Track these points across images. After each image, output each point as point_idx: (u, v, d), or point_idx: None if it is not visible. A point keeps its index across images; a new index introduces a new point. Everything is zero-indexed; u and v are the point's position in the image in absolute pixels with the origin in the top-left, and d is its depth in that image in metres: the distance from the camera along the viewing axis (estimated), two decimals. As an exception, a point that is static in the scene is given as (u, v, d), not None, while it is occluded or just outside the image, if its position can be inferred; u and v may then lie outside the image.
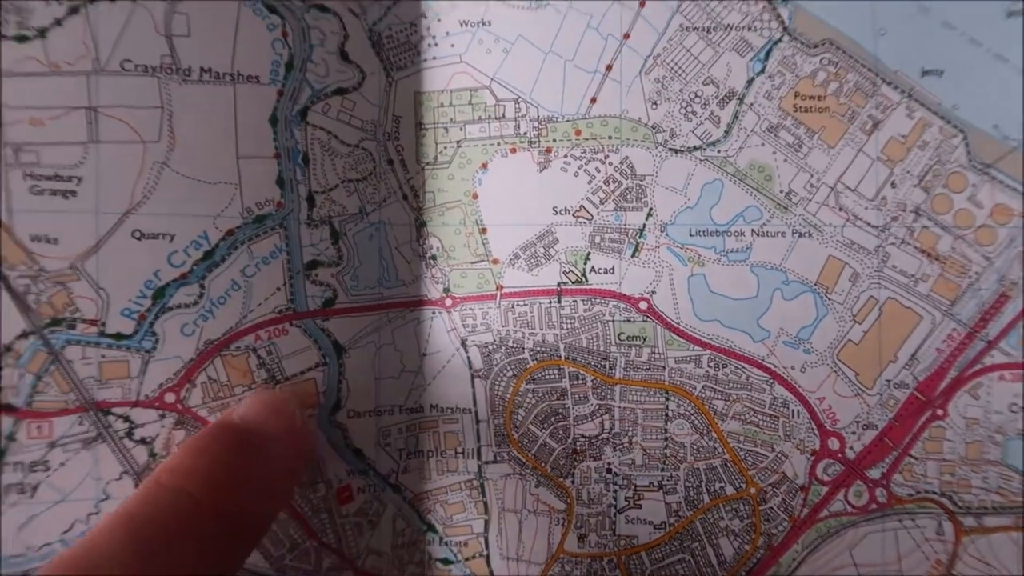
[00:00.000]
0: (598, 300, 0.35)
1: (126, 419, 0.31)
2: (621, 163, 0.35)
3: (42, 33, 0.30)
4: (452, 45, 0.35)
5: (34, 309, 0.30)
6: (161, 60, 0.32)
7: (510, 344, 0.35)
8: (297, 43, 0.33)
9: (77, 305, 0.31)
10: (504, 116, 0.35)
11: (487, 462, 0.35)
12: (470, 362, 0.35)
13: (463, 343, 0.35)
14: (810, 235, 0.34)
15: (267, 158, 0.33)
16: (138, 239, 0.31)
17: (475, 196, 0.35)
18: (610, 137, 0.35)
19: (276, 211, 0.33)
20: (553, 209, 0.35)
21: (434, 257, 0.36)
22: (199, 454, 0.28)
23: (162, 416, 0.32)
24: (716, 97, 0.35)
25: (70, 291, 0.31)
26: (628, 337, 0.35)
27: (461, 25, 0.35)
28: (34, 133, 0.30)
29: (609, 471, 0.35)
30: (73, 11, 0.31)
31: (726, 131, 0.35)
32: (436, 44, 0.35)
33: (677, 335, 0.35)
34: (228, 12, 0.32)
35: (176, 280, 0.32)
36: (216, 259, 0.32)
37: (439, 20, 0.35)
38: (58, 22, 0.31)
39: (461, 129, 0.35)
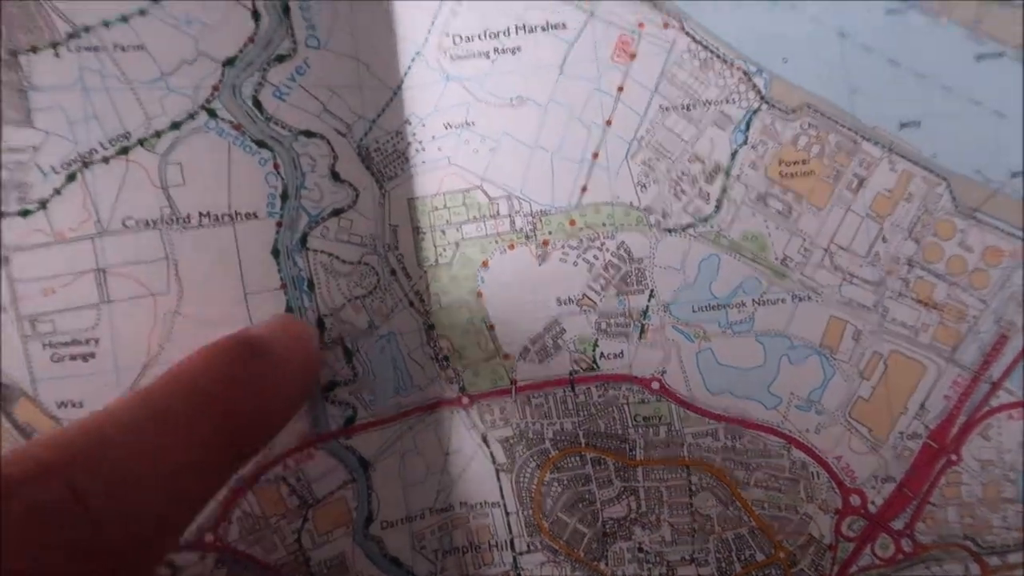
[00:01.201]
0: (611, 385, 0.36)
1: (170, 565, 0.32)
2: (618, 248, 0.36)
3: (43, 205, 0.31)
4: (439, 148, 0.36)
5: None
6: (160, 212, 0.32)
7: (530, 436, 0.36)
8: (289, 173, 0.34)
9: (108, 462, 0.31)
10: (499, 214, 0.36)
11: (521, 553, 0.36)
12: (493, 457, 0.36)
13: (484, 439, 0.36)
14: (809, 298, 0.35)
15: (274, 290, 0.34)
16: (159, 389, 0.32)
17: (479, 295, 0.36)
18: (604, 224, 0.36)
19: (289, 340, 0.34)
20: (557, 300, 0.36)
21: (446, 358, 0.36)
22: (217, 357, 0.29)
23: (202, 557, 0.33)
24: (703, 173, 0.35)
25: (100, 450, 0.31)
26: (644, 418, 0.36)
27: (445, 128, 0.36)
28: (47, 303, 0.31)
29: (641, 550, 0.36)
30: (71, 178, 0.31)
31: (716, 206, 0.35)
32: (423, 149, 0.36)
33: (692, 411, 0.36)
34: (219, 154, 0.33)
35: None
36: (237, 396, 0.33)
37: (423, 125, 0.36)
38: (57, 191, 0.31)
39: (458, 230, 0.36)
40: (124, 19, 0.32)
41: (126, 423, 0.26)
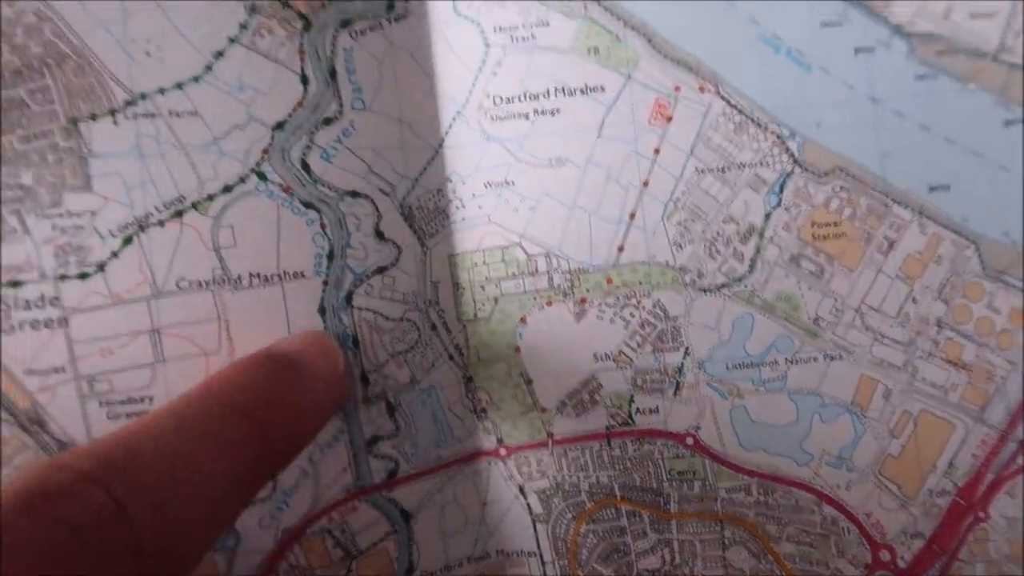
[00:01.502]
0: (646, 440, 0.37)
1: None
2: (654, 307, 0.37)
3: (101, 267, 0.32)
4: (479, 206, 0.37)
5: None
6: (213, 273, 0.33)
7: (566, 488, 0.37)
8: (335, 233, 0.35)
9: (161, 517, 0.32)
10: (537, 271, 0.37)
11: (557, 602, 0.37)
12: (530, 508, 0.37)
13: (521, 490, 0.37)
14: (841, 357, 0.36)
15: (320, 348, 0.34)
16: (210, 446, 0.33)
17: (517, 349, 0.37)
18: (640, 283, 0.37)
19: (334, 396, 0.35)
20: (594, 356, 0.37)
21: (484, 410, 0.37)
22: (249, 371, 0.30)
23: (251, 609, 0.34)
24: (737, 234, 0.36)
25: (153, 505, 0.32)
26: (679, 472, 0.37)
27: (486, 187, 0.37)
28: (105, 363, 0.32)
29: (674, 602, 0.37)
30: (127, 242, 0.32)
31: (750, 266, 0.36)
32: (464, 206, 0.37)
33: (725, 466, 0.37)
34: (269, 216, 0.34)
35: (249, 478, 0.33)
36: (284, 451, 0.34)
37: (464, 184, 0.37)
38: (115, 254, 0.32)
39: (497, 286, 0.37)
40: (179, 86, 0.33)
41: (162, 434, 0.27)
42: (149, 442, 0.26)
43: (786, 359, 0.36)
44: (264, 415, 0.29)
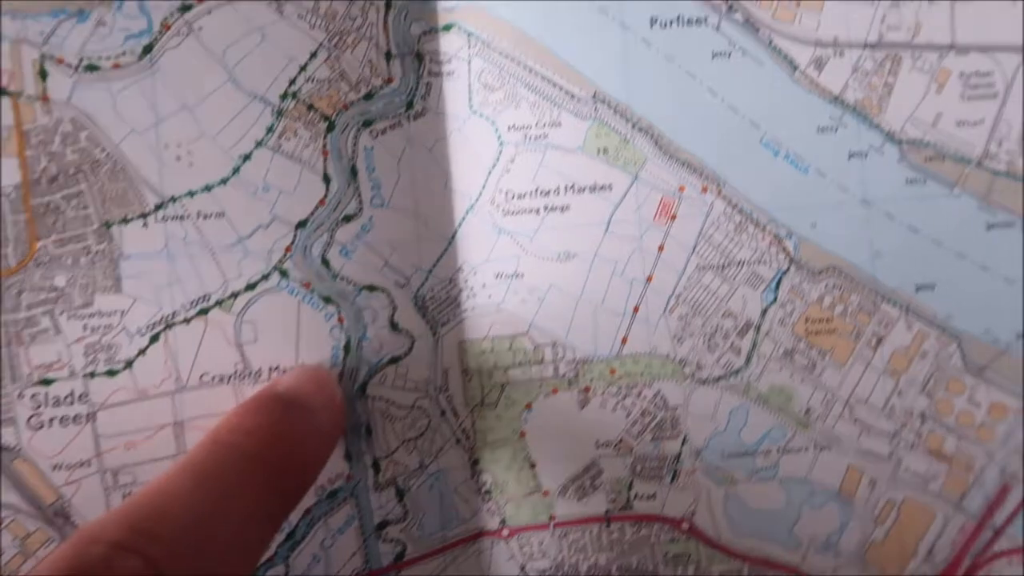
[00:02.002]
0: (644, 524, 0.39)
1: None
2: (654, 397, 0.38)
3: (129, 364, 0.33)
4: (489, 296, 0.39)
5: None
6: (234, 367, 0.35)
7: (566, 569, 0.39)
8: (352, 326, 0.36)
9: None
10: (543, 360, 0.39)
11: (556, 677, 0.39)
12: (531, 586, 0.39)
13: (522, 569, 0.39)
14: (830, 448, 0.38)
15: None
16: (229, 534, 0.34)
17: (522, 434, 0.39)
18: (642, 373, 0.38)
19: (346, 484, 0.36)
20: (596, 443, 0.39)
21: (488, 492, 0.39)
22: (253, 415, 0.31)
23: None
24: (735, 329, 0.38)
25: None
26: (674, 556, 0.39)
27: (496, 277, 0.39)
28: (129, 456, 0.33)
29: None
30: (154, 339, 0.34)
31: (747, 359, 0.38)
32: (474, 296, 0.39)
33: (719, 551, 0.39)
34: (289, 312, 0.35)
35: (263, 564, 0.35)
36: (297, 538, 0.36)
37: (475, 273, 0.39)
38: (142, 352, 0.33)
39: (504, 373, 0.39)
40: (208, 188, 0.34)
41: (184, 493, 0.28)
42: (174, 502, 0.27)
43: (778, 448, 0.38)
44: (275, 456, 0.31)
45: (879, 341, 0.38)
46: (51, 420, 0.32)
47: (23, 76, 0.32)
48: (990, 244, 0.38)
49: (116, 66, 0.33)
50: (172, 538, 0.26)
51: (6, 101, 0.32)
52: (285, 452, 0.31)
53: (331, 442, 0.35)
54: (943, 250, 0.38)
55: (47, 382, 0.32)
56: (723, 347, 0.38)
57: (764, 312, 0.38)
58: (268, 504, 0.30)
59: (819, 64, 0.38)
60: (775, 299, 0.38)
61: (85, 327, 0.32)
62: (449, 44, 0.38)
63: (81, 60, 0.32)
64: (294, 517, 0.35)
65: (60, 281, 0.32)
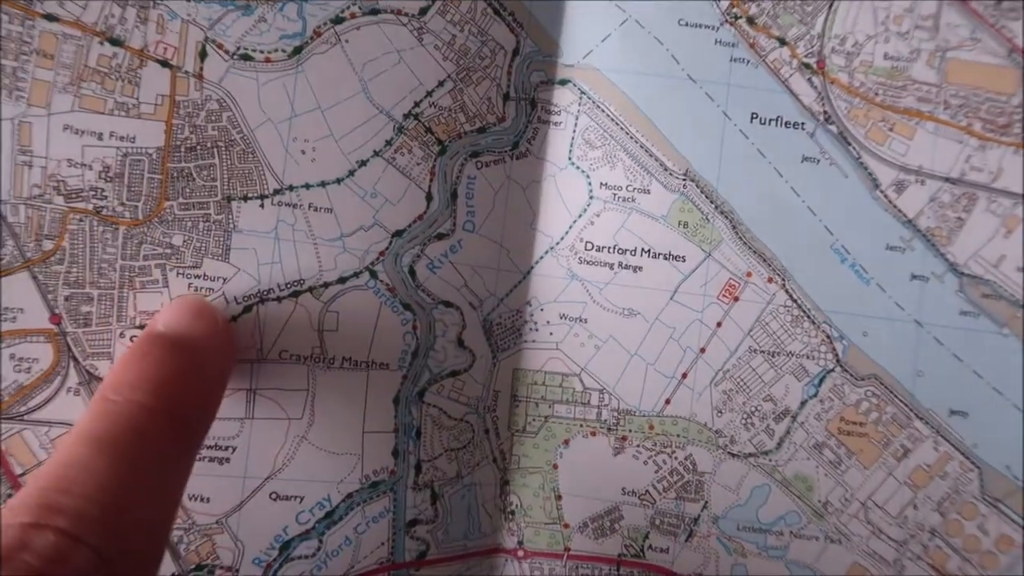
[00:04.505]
0: (652, 574, 0.41)
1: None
2: (685, 459, 0.41)
3: (221, 328, 0.36)
4: (551, 333, 0.42)
5: (183, 556, 0.36)
6: (312, 350, 0.38)
7: (571, 601, 0.41)
8: (424, 335, 0.39)
9: (218, 554, 0.37)
10: (589, 403, 0.41)
11: None
12: (534, 610, 0.42)
13: (530, 592, 0.42)
14: (840, 542, 0.41)
15: (387, 432, 0.39)
16: (274, 500, 0.37)
17: (555, 466, 0.42)
18: (678, 435, 0.41)
19: (389, 478, 0.39)
20: (622, 490, 0.41)
21: (512, 512, 0.42)
22: (136, 364, 0.31)
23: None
24: (773, 413, 0.41)
25: (214, 542, 0.37)
26: (673, 612, 0.41)
27: (560, 318, 0.42)
28: (203, 410, 0.36)
29: None
30: (247, 310, 0.37)
31: (778, 443, 0.41)
32: (537, 330, 0.42)
33: (716, 616, 0.41)
34: (371, 310, 0.38)
35: (300, 535, 0.38)
36: (335, 518, 0.38)
37: (542, 310, 0.42)
38: (234, 319, 0.37)
39: (550, 407, 0.42)
40: (323, 184, 0.37)
41: (84, 461, 0.27)
42: (78, 472, 0.26)
43: (791, 532, 0.41)
44: (164, 405, 0.30)
45: (905, 453, 0.41)
46: (142, 362, 0.35)
47: (185, 53, 0.36)
48: (1028, 385, 0.40)
49: (268, 60, 0.36)
50: (82, 508, 0.25)
51: (166, 73, 0.35)
52: (180, 394, 0.30)
53: (221, 375, 0.34)
54: (982, 383, 0.41)
55: (142, 328, 0.35)
56: (758, 427, 0.41)
57: (803, 404, 0.41)
58: (175, 458, 0.30)
59: (900, 187, 0.41)
60: (816, 394, 0.41)
61: (190, 286, 0.36)
62: (562, 97, 0.41)
63: (239, 48, 0.36)
64: (335, 498, 0.38)
65: (177, 240, 0.35)
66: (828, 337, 0.41)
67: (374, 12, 0.37)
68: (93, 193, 0.34)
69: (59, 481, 0.26)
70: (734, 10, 0.41)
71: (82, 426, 0.28)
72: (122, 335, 0.35)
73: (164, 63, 0.35)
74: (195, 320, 0.34)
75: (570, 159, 0.41)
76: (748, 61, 0.41)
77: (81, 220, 0.34)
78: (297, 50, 0.37)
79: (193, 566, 0.36)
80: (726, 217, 0.41)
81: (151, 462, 0.29)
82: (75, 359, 0.35)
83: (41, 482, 0.26)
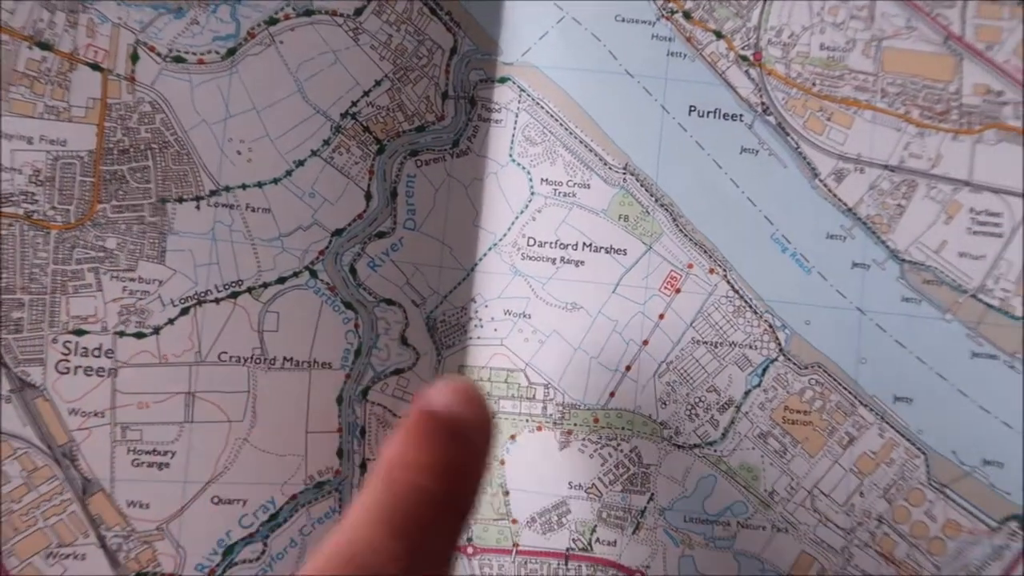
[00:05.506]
0: (600, 567, 0.41)
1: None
2: (631, 451, 0.41)
3: (157, 331, 0.36)
4: (495, 329, 0.42)
5: (123, 564, 0.36)
6: (252, 352, 0.38)
7: (521, 597, 0.41)
8: (366, 333, 0.39)
9: (159, 560, 0.37)
10: (534, 398, 0.41)
11: None
12: (485, 608, 0.41)
13: (480, 590, 0.42)
14: (786, 531, 0.41)
15: (331, 432, 0.39)
16: (216, 504, 0.37)
17: (502, 462, 0.42)
18: (623, 428, 0.41)
19: (334, 478, 0.39)
20: (568, 484, 0.41)
21: (462, 511, 0.42)
22: (421, 447, 0.30)
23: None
24: (717, 403, 0.41)
25: (155, 549, 0.37)
26: (623, 605, 0.41)
27: (505, 313, 0.42)
28: (140, 415, 0.36)
29: None
30: (184, 312, 0.37)
31: (723, 434, 0.41)
32: (481, 327, 0.42)
33: (665, 607, 0.41)
34: (311, 310, 0.38)
35: (244, 539, 0.38)
36: (280, 520, 0.38)
37: (486, 307, 0.42)
38: (171, 321, 0.37)
39: (496, 403, 0.42)
40: (260, 185, 0.37)
41: (379, 545, 0.27)
42: (371, 555, 0.27)
43: (738, 522, 0.41)
44: (449, 493, 0.29)
45: (850, 441, 0.41)
46: (77, 368, 0.35)
47: (116, 57, 0.36)
48: (972, 372, 0.41)
49: (201, 62, 0.36)
50: None
51: (97, 76, 0.35)
52: (458, 482, 0.30)
53: (488, 468, 0.33)
54: (925, 369, 0.41)
55: (80, 332, 0.35)
56: (703, 418, 0.41)
57: (747, 393, 0.41)
58: (452, 542, 0.29)
59: (839, 176, 0.41)
60: (759, 384, 0.41)
61: (124, 289, 0.36)
62: (501, 95, 0.42)
63: (171, 51, 0.36)
64: (279, 500, 0.38)
65: (111, 243, 0.35)
66: (771, 327, 0.41)
67: (308, 13, 0.37)
68: (23, 197, 0.34)
69: (354, 561, 0.26)
70: (670, 5, 0.41)
71: (370, 502, 0.28)
72: (54, 340, 0.35)
73: (95, 66, 0.35)
74: (471, 410, 0.31)
75: (511, 156, 0.41)
76: (685, 55, 0.41)
77: (11, 224, 0.34)
78: (231, 52, 0.37)
79: (133, 574, 0.36)
80: (666, 210, 0.41)
81: (436, 544, 0.28)
82: (6, 366, 0.34)
83: (333, 553, 0.26)
